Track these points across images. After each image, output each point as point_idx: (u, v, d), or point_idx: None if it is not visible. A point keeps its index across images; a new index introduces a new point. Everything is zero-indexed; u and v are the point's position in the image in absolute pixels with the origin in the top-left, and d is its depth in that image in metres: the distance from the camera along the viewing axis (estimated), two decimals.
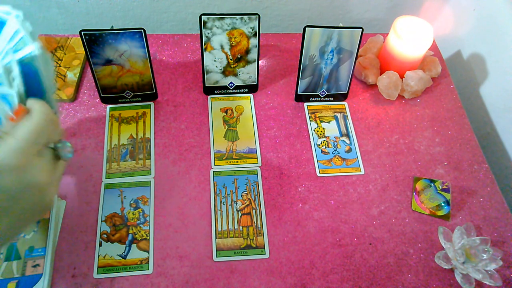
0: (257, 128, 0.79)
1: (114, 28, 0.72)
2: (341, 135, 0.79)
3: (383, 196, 0.73)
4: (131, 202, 0.69)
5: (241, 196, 0.71)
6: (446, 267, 0.64)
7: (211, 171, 0.73)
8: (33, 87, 0.44)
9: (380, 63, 0.87)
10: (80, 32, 0.69)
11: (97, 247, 0.64)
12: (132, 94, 0.79)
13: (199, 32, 0.74)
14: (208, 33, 0.74)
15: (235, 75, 0.80)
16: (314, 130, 0.79)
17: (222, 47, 0.76)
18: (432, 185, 0.74)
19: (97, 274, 0.62)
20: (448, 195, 0.73)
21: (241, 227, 0.68)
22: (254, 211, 0.69)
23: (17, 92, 0.42)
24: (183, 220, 0.68)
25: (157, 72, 0.84)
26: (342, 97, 0.84)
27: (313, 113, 0.82)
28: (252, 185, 0.72)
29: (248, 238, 0.67)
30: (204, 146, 0.76)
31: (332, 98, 0.83)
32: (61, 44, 0.84)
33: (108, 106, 0.79)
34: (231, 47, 0.77)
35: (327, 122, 0.81)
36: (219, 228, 0.67)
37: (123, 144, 0.75)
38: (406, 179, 0.75)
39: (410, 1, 1.06)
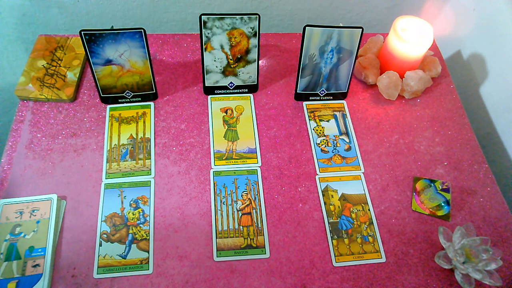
0: (257, 128, 0.79)
1: (114, 28, 0.72)
2: (341, 133, 0.80)
3: (383, 196, 0.73)
4: (131, 202, 0.69)
5: (241, 196, 0.71)
6: (446, 267, 0.64)
7: (211, 171, 0.73)
8: None
9: (380, 63, 0.87)
10: (80, 32, 0.69)
11: (97, 247, 0.64)
12: (132, 94, 0.79)
13: (199, 32, 0.74)
14: (208, 33, 0.74)
15: (235, 75, 0.80)
16: (313, 129, 0.79)
17: (222, 47, 0.76)
18: (432, 185, 0.74)
19: (97, 274, 0.62)
20: (448, 195, 0.73)
21: (241, 227, 0.68)
22: (254, 211, 0.69)
23: None
24: (183, 220, 0.68)
25: (157, 72, 0.84)
26: (342, 96, 0.84)
27: (312, 112, 0.82)
28: (252, 185, 0.72)
29: (248, 238, 0.67)
30: (204, 146, 0.76)
31: (331, 97, 0.83)
32: (61, 44, 0.84)
33: (108, 106, 0.79)
34: (231, 47, 0.77)
35: (326, 121, 0.81)
36: (220, 228, 0.67)
37: (123, 144, 0.75)
38: (406, 179, 0.75)
39: (410, 1, 1.06)
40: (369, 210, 0.71)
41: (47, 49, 0.83)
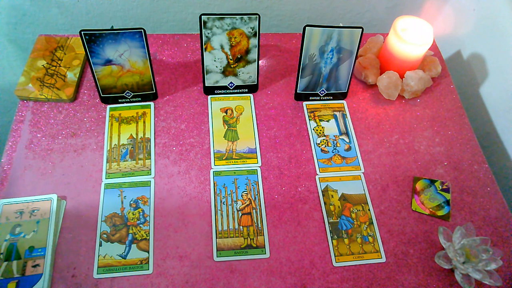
0: (257, 128, 0.79)
1: (114, 28, 0.72)
2: (341, 133, 0.80)
3: (383, 196, 0.73)
4: (131, 202, 0.69)
5: (241, 196, 0.71)
6: (446, 267, 0.64)
7: (211, 171, 0.73)
8: None
9: (380, 63, 0.87)
10: (80, 32, 0.69)
11: (97, 247, 0.64)
12: (132, 94, 0.79)
13: (199, 32, 0.74)
14: (208, 33, 0.74)
15: (235, 75, 0.80)
16: (313, 129, 0.79)
17: (222, 47, 0.76)
18: (432, 185, 0.74)
19: (97, 274, 0.62)
20: (448, 195, 0.73)
21: (241, 227, 0.68)
22: (254, 211, 0.69)
23: None
24: (183, 220, 0.68)
25: (157, 72, 0.84)
26: (342, 96, 0.84)
27: (312, 112, 0.82)
28: (252, 185, 0.72)
29: (248, 238, 0.67)
30: (204, 146, 0.76)
31: (331, 97, 0.83)
32: (61, 44, 0.84)
33: (108, 106, 0.79)
34: (231, 47, 0.77)
35: (326, 121, 0.81)
36: (220, 228, 0.67)
37: (123, 144, 0.75)
38: (406, 179, 0.75)
39: (410, 1, 1.06)
40: (369, 210, 0.71)
41: (47, 49, 0.83)
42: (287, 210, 0.70)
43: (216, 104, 0.81)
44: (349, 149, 0.78)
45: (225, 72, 0.80)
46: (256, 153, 0.76)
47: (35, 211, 0.65)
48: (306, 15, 1.06)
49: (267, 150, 0.76)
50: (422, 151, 0.79)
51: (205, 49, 0.76)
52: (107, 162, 0.73)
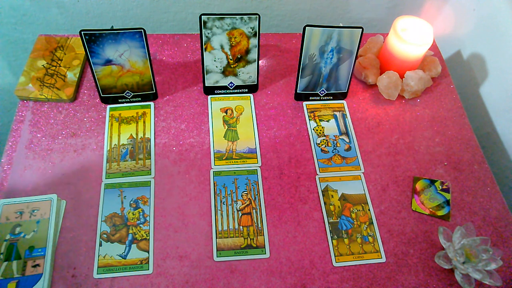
0: (257, 128, 0.79)
1: (114, 28, 0.72)
2: (341, 133, 0.80)
3: (383, 196, 0.73)
4: (131, 202, 0.69)
5: (241, 196, 0.71)
6: (446, 267, 0.64)
7: (211, 171, 0.73)
8: None
9: (380, 63, 0.87)
10: (80, 32, 0.69)
11: (97, 247, 0.64)
12: (132, 94, 0.79)
13: (199, 32, 0.74)
14: (208, 33, 0.74)
15: (235, 75, 0.81)
16: (313, 129, 0.79)
17: (222, 47, 0.76)
18: (432, 185, 0.74)
19: (97, 274, 0.62)
20: (448, 195, 0.73)
21: (241, 227, 0.68)
22: (254, 211, 0.69)
23: None
24: (183, 220, 0.68)
25: (157, 72, 0.84)
26: (342, 96, 0.84)
27: (312, 112, 0.82)
28: (252, 185, 0.72)
29: (248, 238, 0.67)
30: (204, 146, 0.76)
31: (331, 97, 0.84)
32: (61, 44, 0.84)
33: (108, 106, 0.79)
34: (231, 47, 0.77)
35: (326, 121, 0.81)
36: (220, 228, 0.67)
37: (123, 144, 0.75)
38: (406, 179, 0.75)
39: (410, 1, 1.06)
40: (369, 210, 0.71)
41: (47, 49, 0.83)
42: (287, 210, 0.70)
43: (216, 104, 0.81)
44: (349, 149, 0.78)
45: (225, 72, 0.80)
46: (256, 153, 0.76)
47: (35, 211, 0.65)
48: (306, 15, 1.06)
49: (267, 150, 0.76)
50: (422, 151, 0.79)
51: (205, 49, 0.76)
52: (107, 162, 0.73)
